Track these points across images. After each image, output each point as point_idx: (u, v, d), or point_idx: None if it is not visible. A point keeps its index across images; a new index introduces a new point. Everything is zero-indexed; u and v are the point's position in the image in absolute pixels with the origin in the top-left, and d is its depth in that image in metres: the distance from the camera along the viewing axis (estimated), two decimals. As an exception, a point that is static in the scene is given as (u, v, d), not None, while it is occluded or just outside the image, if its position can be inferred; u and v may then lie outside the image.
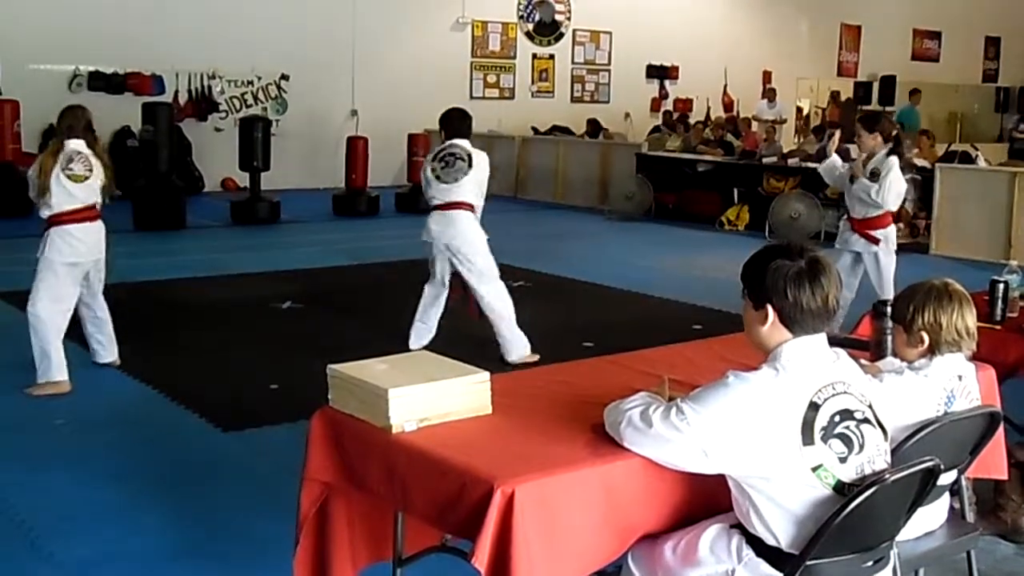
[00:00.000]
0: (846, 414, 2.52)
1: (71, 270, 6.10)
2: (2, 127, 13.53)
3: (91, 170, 6.10)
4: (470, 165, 6.68)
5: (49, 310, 6.02)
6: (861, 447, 2.52)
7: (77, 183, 6.04)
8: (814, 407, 2.48)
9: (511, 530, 2.44)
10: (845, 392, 2.53)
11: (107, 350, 6.56)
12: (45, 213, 6.04)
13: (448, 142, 6.79)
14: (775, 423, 2.46)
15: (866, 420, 2.55)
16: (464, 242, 6.69)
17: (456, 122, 6.86)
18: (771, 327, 2.56)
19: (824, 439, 2.48)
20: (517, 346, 6.77)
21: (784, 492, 2.49)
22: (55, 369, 6.02)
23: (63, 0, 14.83)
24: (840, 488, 2.48)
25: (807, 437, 2.46)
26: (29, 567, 3.90)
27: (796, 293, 2.50)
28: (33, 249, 6.12)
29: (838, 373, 2.56)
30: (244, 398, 6.04)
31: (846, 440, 2.50)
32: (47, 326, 6.01)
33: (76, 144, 6.09)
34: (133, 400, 5.97)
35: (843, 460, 2.50)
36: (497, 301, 6.74)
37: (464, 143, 6.79)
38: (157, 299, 7.35)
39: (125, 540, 4.13)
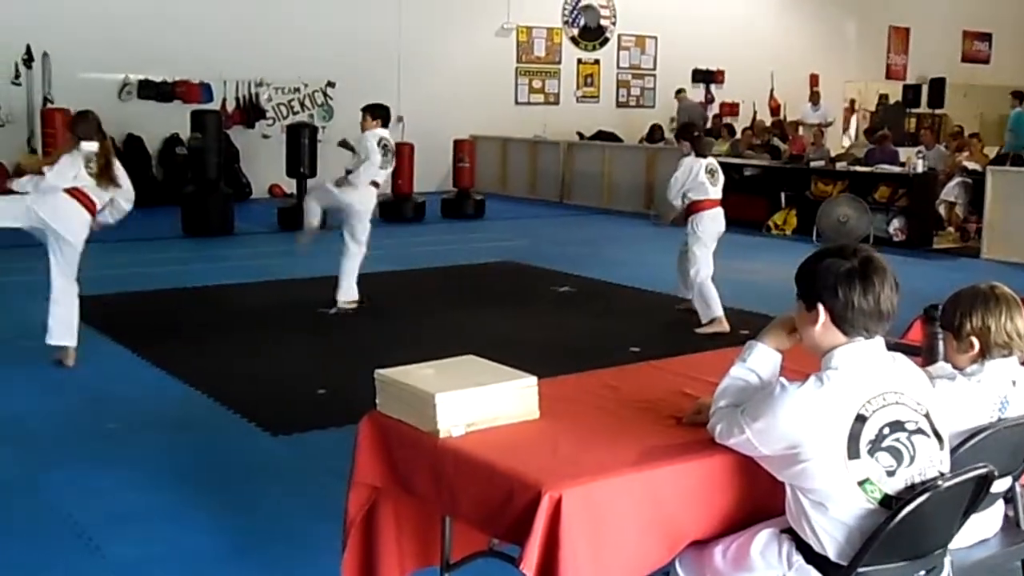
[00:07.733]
0: (896, 426, 2.47)
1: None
2: (55, 136, 13.74)
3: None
4: None
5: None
6: (912, 459, 2.48)
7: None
8: (861, 419, 2.44)
9: (559, 535, 2.43)
10: (897, 402, 2.49)
11: (53, 333, 6.53)
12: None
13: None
14: (819, 436, 2.43)
15: (919, 431, 2.50)
16: None
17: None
18: (823, 328, 2.53)
19: (871, 452, 2.44)
20: None
21: (831, 503, 2.46)
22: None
23: (113, 10, 15.02)
24: (887, 502, 2.44)
25: (853, 451, 2.43)
26: (83, 566, 3.97)
27: (847, 291, 2.48)
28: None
29: (892, 381, 2.52)
30: (292, 402, 6.08)
31: (895, 453, 2.46)
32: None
33: (90, 146, 6.46)
34: (183, 404, 6.04)
35: (891, 474, 2.46)
36: None
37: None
38: (206, 304, 7.43)
39: (176, 541, 4.18)
